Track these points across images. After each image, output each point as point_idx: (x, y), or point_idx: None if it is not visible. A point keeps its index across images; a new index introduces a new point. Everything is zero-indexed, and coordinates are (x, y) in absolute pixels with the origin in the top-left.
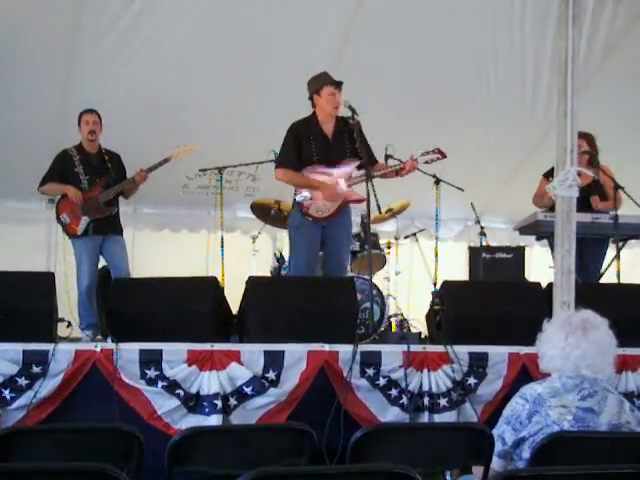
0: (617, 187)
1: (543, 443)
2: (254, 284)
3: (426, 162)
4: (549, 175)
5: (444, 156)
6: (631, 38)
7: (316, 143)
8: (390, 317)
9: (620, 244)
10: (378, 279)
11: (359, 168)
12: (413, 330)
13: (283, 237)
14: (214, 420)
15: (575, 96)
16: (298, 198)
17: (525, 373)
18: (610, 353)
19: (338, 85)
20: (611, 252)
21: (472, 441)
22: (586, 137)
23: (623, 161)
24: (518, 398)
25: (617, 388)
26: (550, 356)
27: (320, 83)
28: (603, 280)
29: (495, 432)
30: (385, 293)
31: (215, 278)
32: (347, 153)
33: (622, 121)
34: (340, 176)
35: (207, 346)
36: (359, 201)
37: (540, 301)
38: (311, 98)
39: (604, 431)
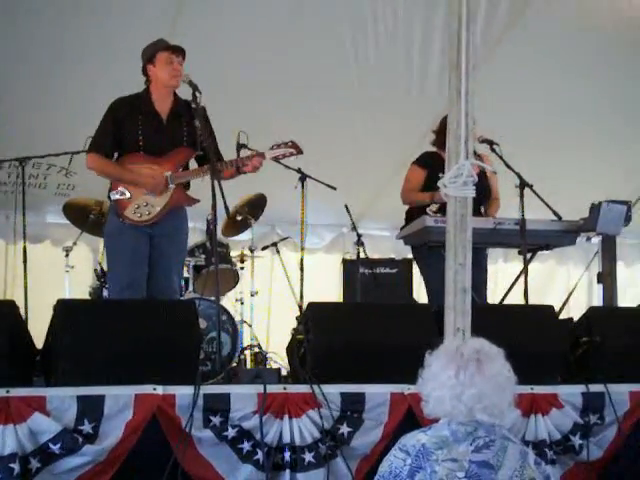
0: (524, 185)
1: None
2: (64, 310)
3: (276, 158)
4: (422, 164)
5: (300, 152)
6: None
7: (144, 125)
8: (244, 349)
9: (528, 256)
10: (229, 301)
11: (199, 161)
12: (273, 365)
13: None
14: None
15: (472, 73)
16: (113, 196)
17: (411, 418)
18: (509, 391)
19: (176, 50)
20: (515, 266)
21: None
22: None
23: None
24: (397, 451)
25: (524, 436)
26: (437, 398)
27: (153, 49)
28: (507, 301)
29: None
30: (237, 319)
31: (12, 302)
32: (183, 140)
33: (526, 102)
34: (169, 169)
35: (1, 392)
36: (190, 203)
37: (429, 327)
38: (145, 71)
39: None
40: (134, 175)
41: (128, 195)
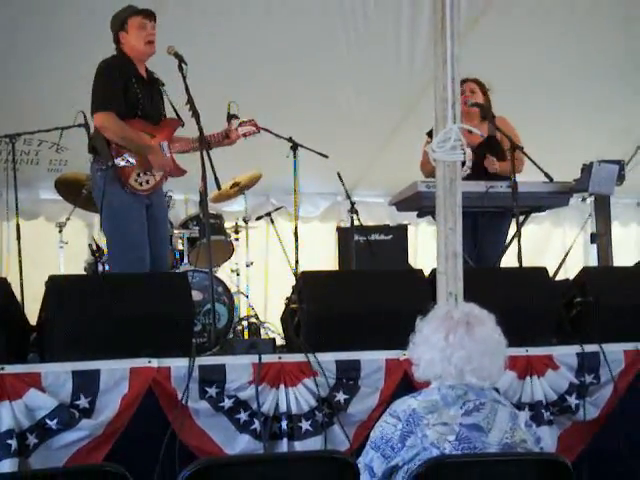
0: (515, 148)
1: (419, 472)
2: (56, 286)
3: (244, 135)
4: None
5: (258, 130)
6: None
7: (140, 90)
8: (241, 320)
9: (521, 218)
10: (224, 273)
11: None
12: (270, 335)
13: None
14: (7, 466)
15: (457, 40)
16: (121, 162)
17: (407, 384)
18: (500, 354)
19: (148, 15)
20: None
21: (334, 474)
22: (477, 82)
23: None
24: (388, 417)
25: (521, 397)
26: (427, 360)
27: (123, 15)
28: (502, 264)
29: (362, 461)
30: (234, 290)
31: (4, 280)
32: (162, 110)
33: (509, 70)
34: (164, 138)
35: None
36: (181, 173)
37: (424, 292)
38: (117, 39)
39: (494, 452)
40: (149, 142)
41: (133, 162)
